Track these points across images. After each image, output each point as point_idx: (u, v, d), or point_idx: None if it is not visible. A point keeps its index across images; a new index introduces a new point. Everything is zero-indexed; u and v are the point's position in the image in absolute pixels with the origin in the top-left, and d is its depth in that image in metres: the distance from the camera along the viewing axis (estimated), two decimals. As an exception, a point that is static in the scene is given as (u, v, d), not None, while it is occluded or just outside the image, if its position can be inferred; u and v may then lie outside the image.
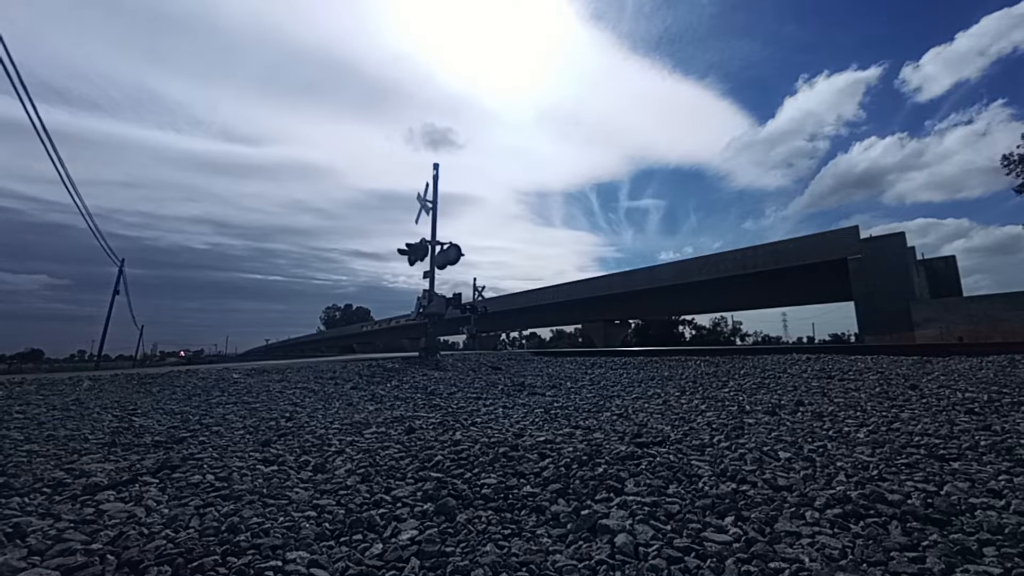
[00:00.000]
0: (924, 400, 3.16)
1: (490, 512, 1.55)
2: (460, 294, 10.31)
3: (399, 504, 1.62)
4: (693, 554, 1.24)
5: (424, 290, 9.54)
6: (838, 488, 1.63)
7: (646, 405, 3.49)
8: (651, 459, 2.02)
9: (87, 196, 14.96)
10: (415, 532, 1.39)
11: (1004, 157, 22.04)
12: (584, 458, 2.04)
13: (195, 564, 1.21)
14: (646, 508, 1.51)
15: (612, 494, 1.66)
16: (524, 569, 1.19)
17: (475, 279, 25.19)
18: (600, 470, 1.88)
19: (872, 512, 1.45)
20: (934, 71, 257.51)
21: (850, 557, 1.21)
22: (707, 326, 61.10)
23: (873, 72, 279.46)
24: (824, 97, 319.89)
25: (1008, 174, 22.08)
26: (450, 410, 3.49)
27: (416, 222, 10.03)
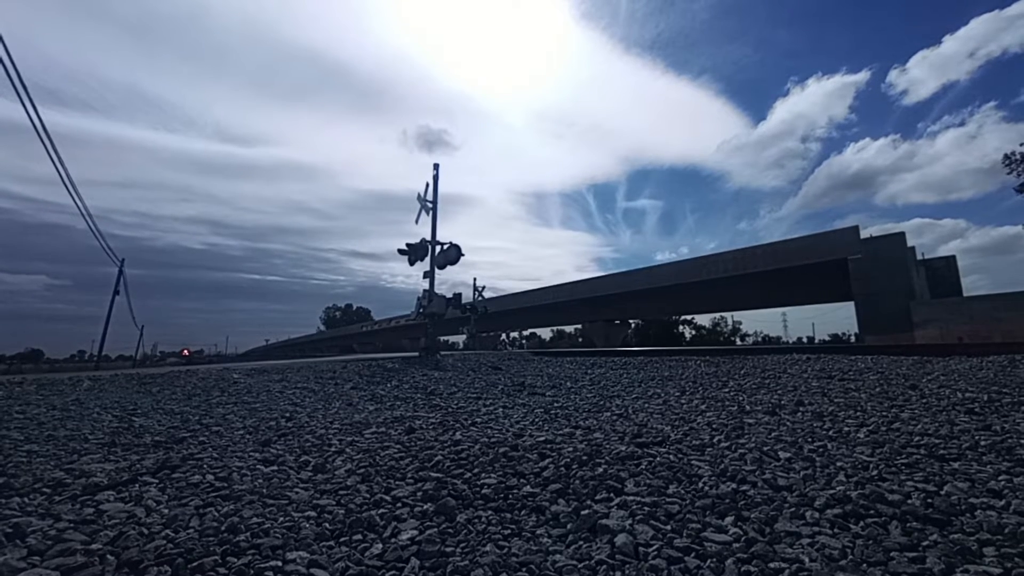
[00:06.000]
0: (924, 400, 3.16)
1: (490, 512, 1.55)
2: (460, 294, 10.32)
3: (399, 504, 1.62)
4: (693, 554, 1.24)
5: (424, 290, 9.54)
6: (838, 488, 1.63)
7: (646, 405, 3.49)
8: (651, 459, 2.02)
9: (83, 197, 14.94)
10: (415, 532, 1.39)
11: (1006, 156, 22.03)
12: (584, 458, 2.04)
13: (195, 564, 1.21)
14: (646, 508, 1.51)
15: (612, 494, 1.66)
16: (524, 569, 1.19)
17: (475, 279, 25.21)
18: (600, 470, 1.88)
19: (872, 512, 1.45)
20: (920, 74, 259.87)
21: (850, 557, 1.21)
22: (707, 326, 61.10)
23: (862, 76, 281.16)
24: (815, 99, 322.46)
25: (1010, 173, 22.08)
26: (450, 410, 3.48)
27: (416, 222, 10.04)
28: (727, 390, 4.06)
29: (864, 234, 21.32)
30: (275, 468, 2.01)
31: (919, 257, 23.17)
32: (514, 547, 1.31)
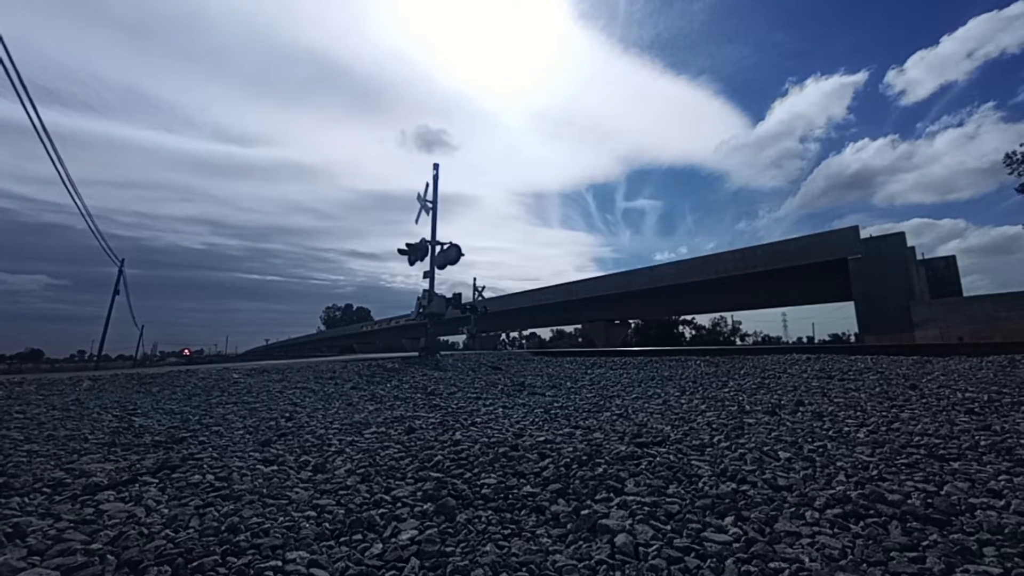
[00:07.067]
0: (924, 400, 3.15)
1: (490, 512, 1.55)
2: (460, 294, 10.31)
3: (399, 504, 1.62)
4: (693, 554, 1.24)
5: (424, 290, 9.54)
6: (838, 488, 1.63)
7: (646, 405, 3.49)
8: (651, 459, 2.02)
9: (83, 197, 14.96)
10: (415, 532, 1.39)
11: (1007, 155, 22.07)
12: (584, 458, 2.04)
13: (195, 564, 1.21)
14: (646, 508, 1.51)
15: (612, 494, 1.66)
16: (524, 569, 1.19)
17: (475, 279, 25.17)
18: (600, 470, 1.88)
19: (872, 512, 1.45)
20: (918, 75, 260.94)
21: (850, 557, 1.21)
22: (707, 326, 61.10)
23: (860, 76, 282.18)
24: (813, 100, 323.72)
25: (1011, 172, 22.11)
26: (450, 410, 3.48)
27: (416, 222, 10.04)
28: (727, 390, 4.06)
29: (864, 234, 21.34)
30: (275, 468, 2.01)
31: (919, 257, 23.18)
32: (514, 547, 1.31)
